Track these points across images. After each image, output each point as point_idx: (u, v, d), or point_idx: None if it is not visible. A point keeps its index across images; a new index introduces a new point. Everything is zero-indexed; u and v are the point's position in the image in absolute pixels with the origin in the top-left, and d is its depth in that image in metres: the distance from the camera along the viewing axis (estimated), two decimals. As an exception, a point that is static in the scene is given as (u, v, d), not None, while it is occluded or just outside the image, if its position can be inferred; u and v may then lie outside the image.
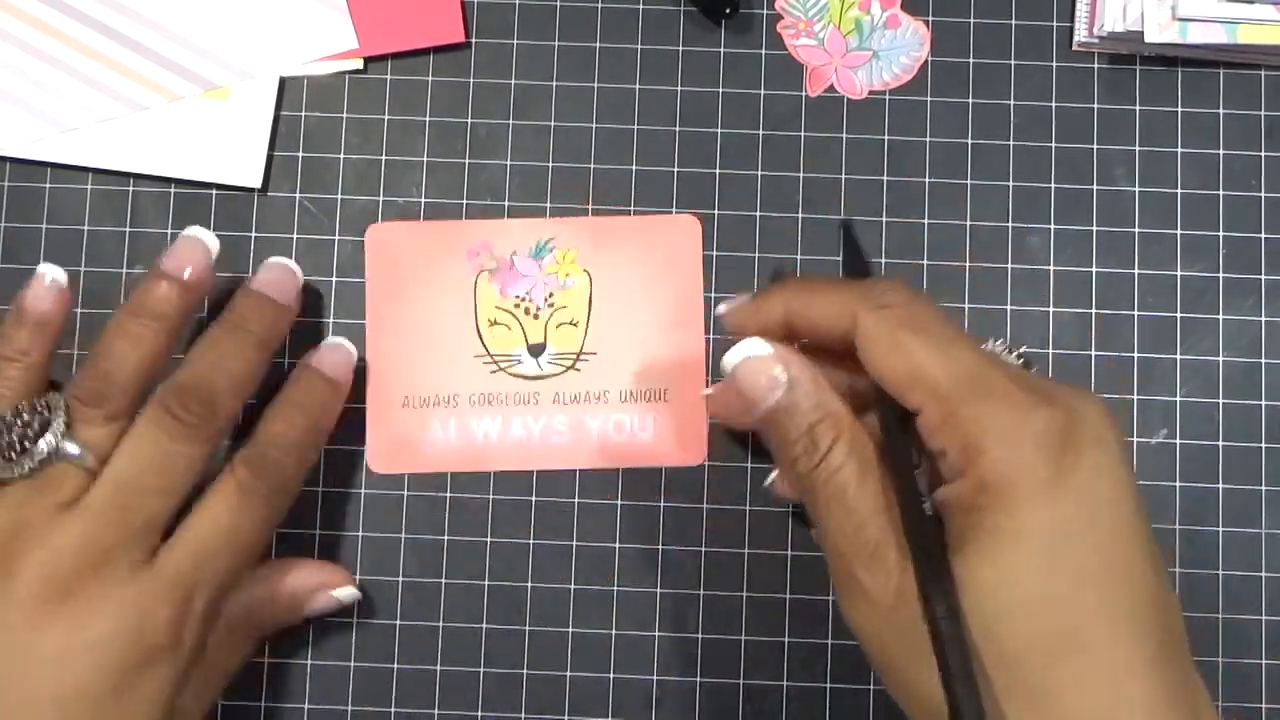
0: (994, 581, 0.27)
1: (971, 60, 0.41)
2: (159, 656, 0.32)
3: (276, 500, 0.36)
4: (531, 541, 0.40)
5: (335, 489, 0.40)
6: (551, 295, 0.41)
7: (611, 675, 0.39)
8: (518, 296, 0.41)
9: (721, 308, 0.35)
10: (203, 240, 0.37)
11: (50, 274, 0.36)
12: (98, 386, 0.34)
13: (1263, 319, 0.40)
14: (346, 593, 0.38)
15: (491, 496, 0.40)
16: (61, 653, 0.31)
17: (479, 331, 0.40)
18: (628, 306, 0.41)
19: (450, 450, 0.40)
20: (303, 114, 0.41)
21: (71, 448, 0.33)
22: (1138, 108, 0.41)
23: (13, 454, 0.33)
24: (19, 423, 0.33)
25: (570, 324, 0.41)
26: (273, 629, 0.38)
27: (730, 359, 0.32)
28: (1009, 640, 0.27)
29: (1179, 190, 0.41)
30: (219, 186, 0.41)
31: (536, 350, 0.40)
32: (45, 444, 0.33)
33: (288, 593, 0.37)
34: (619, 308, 0.41)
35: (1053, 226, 0.41)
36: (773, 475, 0.39)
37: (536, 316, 0.41)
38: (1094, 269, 0.41)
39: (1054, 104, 0.41)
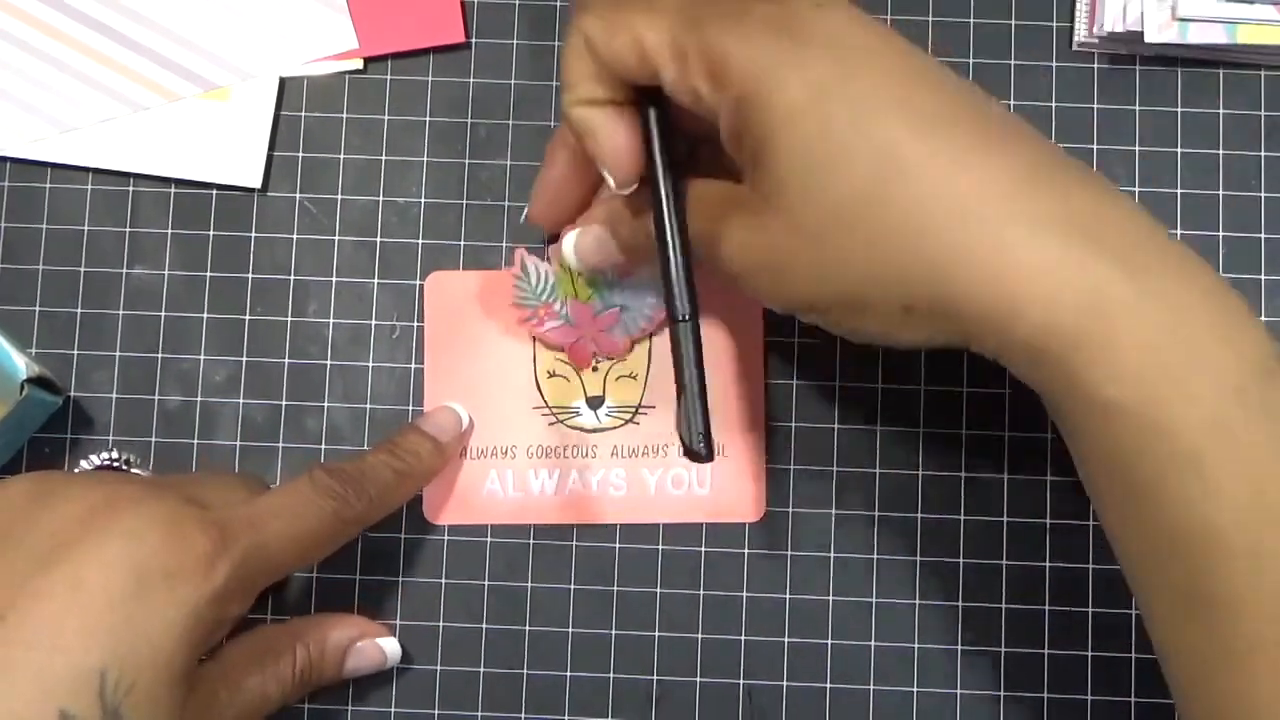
0: (800, 163, 0.28)
1: (971, 60, 0.41)
2: (186, 574, 0.31)
3: (350, 506, 0.35)
4: (531, 542, 0.40)
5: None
6: None
7: (611, 675, 0.39)
8: None
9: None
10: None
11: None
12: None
13: (1262, 319, 0.40)
14: (389, 643, 0.38)
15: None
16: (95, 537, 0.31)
17: (538, 383, 0.40)
18: None
19: (506, 502, 0.40)
20: (303, 114, 0.41)
21: None
22: (1138, 108, 0.41)
23: None
24: None
25: (629, 377, 0.40)
26: (316, 685, 0.37)
27: (567, 244, 0.37)
28: (833, 197, 0.28)
29: (1179, 190, 0.41)
30: (219, 186, 0.41)
31: (595, 403, 0.40)
32: None
33: (331, 645, 0.37)
34: None
35: (1053, 226, 0.41)
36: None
37: (596, 369, 0.40)
38: (1094, 269, 0.41)
39: (1054, 104, 0.41)
